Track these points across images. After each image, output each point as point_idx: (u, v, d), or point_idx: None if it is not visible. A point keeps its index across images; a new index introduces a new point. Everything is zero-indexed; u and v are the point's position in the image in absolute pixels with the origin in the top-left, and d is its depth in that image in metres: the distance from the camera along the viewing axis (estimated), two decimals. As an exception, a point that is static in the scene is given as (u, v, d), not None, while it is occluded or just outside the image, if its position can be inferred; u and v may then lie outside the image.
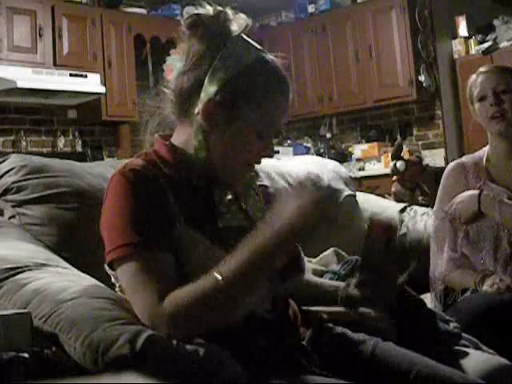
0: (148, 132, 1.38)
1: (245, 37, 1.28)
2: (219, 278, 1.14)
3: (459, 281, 2.07)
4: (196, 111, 1.26)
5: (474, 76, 2.20)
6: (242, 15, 1.30)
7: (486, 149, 2.22)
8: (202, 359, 1.14)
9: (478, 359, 1.53)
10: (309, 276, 1.56)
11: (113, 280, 1.31)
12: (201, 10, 1.30)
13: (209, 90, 1.24)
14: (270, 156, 1.32)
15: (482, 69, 2.19)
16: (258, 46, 1.29)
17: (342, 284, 1.47)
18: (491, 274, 2.01)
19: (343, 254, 1.96)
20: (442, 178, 2.26)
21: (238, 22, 1.29)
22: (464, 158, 2.26)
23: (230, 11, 1.29)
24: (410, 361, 1.32)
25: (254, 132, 1.27)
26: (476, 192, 2.08)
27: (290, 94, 1.30)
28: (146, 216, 1.21)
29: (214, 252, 1.23)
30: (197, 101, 1.26)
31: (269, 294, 1.32)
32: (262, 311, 1.30)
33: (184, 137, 1.31)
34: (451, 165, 2.26)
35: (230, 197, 1.32)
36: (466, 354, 1.56)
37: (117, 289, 1.33)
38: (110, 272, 1.29)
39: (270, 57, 1.29)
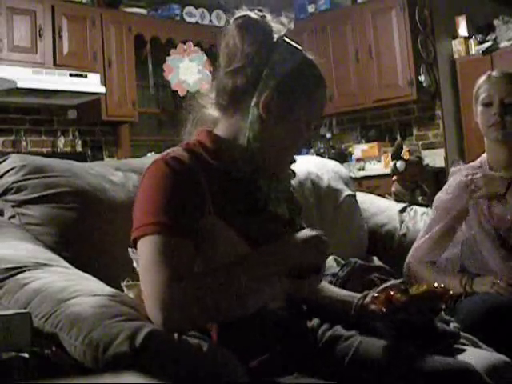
0: (188, 127, 1.44)
1: (288, 39, 1.41)
2: (236, 271, 1.22)
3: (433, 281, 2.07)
4: (253, 103, 1.34)
5: (483, 77, 2.15)
6: (282, 18, 1.44)
7: (485, 157, 2.20)
8: (202, 356, 1.14)
9: (476, 356, 1.53)
10: (324, 284, 1.58)
11: (134, 264, 1.32)
12: (243, 12, 1.39)
13: (268, 84, 1.34)
14: (308, 144, 1.41)
15: (493, 73, 2.14)
16: (300, 46, 1.42)
17: (358, 295, 1.48)
18: (479, 275, 2.02)
19: (342, 261, 1.96)
20: (449, 187, 2.20)
21: (280, 24, 1.42)
22: (469, 170, 2.19)
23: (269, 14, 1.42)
24: (391, 356, 1.33)
25: (305, 121, 1.39)
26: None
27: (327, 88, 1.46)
28: (179, 203, 1.25)
29: (238, 245, 1.27)
30: (251, 95, 1.35)
31: (282, 291, 1.34)
32: (274, 307, 1.33)
33: (229, 129, 1.38)
34: (458, 180, 2.18)
35: (274, 185, 1.39)
36: (465, 351, 1.56)
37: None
38: (132, 256, 1.32)
39: (309, 55, 1.43)
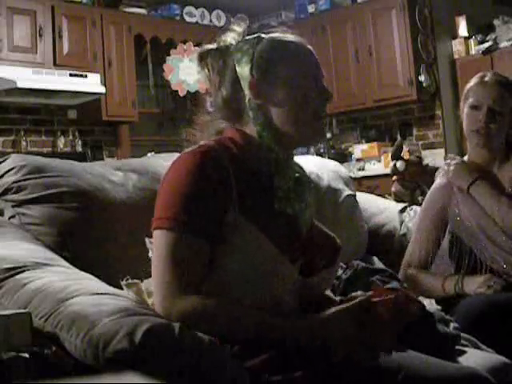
0: (204, 137, 1.44)
1: (248, 37, 1.43)
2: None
3: (428, 285, 2.07)
4: (247, 99, 1.36)
5: (475, 80, 2.16)
6: (235, 26, 1.45)
7: (467, 157, 2.23)
8: (201, 351, 1.14)
9: (477, 358, 1.53)
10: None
11: (150, 254, 1.34)
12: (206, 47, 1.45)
13: (244, 74, 1.37)
14: (330, 98, 1.40)
15: (486, 78, 2.13)
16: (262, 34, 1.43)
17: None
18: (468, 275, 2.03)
19: (343, 265, 1.96)
20: (428, 195, 2.24)
21: (234, 32, 1.44)
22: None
23: (229, 34, 1.44)
24: (400, 361, 1.31)
25: (304, 78, 1.37)
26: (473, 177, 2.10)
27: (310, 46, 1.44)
28: (200, 202, 1.26)
29: (262, 242, 1.28)
30: (242, 95, 1.37)
31: (295, 291, 1.35)
32: (286, 308, 1.33)
33: (246, 129, 1.39)
34: (437, 184, 2.22)
35: (289, 184, 1.38)
36: (465, 353, 1.56)
37: None
38: (148, 246, 1.35)
39: (278, 34, 1.43)
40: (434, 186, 2.24)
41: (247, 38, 1.42)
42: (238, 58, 1.38)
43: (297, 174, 1.43)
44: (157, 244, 1.27)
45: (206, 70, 1.44)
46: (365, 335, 1.23)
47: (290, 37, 1.43)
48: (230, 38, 1.43)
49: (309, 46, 1.43)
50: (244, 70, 1.37)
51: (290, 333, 1.23)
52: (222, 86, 1.41)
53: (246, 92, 1.37)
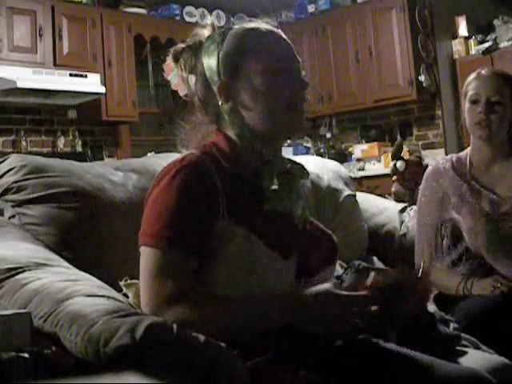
0: (191, 143, 1.42)
1: (211, 36, 1.38)
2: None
3: (443, 283, 2.08)
4: (220, 103, 1.33)
5: (473, 75, 2.18)
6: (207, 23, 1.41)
7: (469, 151, 2.22)
8: (202, 346, 1.15)
9: (477, 358, 1.53)
10: None
11: None
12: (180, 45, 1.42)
13: (213, 78, 1.33)
14: (303, 87, 1.35)
15: (483, 71, 2.15)
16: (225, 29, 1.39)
17: None
18: (476, 278, 2.03)
19: (344, 264, 1.96)
20: (422, 183, 2.25)
21: (208, 28, 1.40)
22: (442, 161, 2.24)
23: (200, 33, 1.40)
24: (405, 361, 1.31)
25: (273, 71, 1.32)
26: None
27: (281, 32, 1.39)
28: (185, 218, 1.26)
29: (255, 246, 1.28)
30: (216, 98, 1.34)
31: (295, 291, 1.34)
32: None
33: (228, 132, 1.37)
34: (429, 170, 2.24)
35: (276, 184, 1.35)
36: (466, 353, 1.56)
37: None
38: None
39: (242, 26, 1.39)
40: (426, 173, 2.25)
41: (215, 32, 1.37)
42: (206, 60, 1.35)
43: (288, 165, 1.40)
44: (142, 259, 1.28)
45: (180, 70, 1.40)
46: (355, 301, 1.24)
47: (258, 26, 1.38)
48: (200, 34, 1.39)
49: (280, 33, 1.38)
50: (212, 72, 1.34)
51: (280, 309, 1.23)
52: (196, 88, 1.38)
53: (218, 96, 1.33)
